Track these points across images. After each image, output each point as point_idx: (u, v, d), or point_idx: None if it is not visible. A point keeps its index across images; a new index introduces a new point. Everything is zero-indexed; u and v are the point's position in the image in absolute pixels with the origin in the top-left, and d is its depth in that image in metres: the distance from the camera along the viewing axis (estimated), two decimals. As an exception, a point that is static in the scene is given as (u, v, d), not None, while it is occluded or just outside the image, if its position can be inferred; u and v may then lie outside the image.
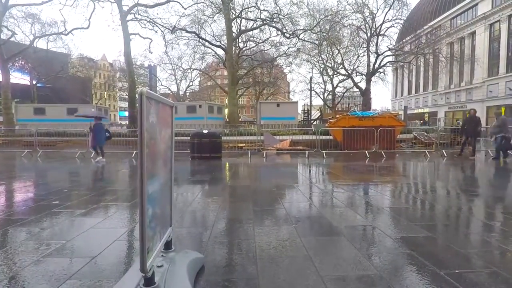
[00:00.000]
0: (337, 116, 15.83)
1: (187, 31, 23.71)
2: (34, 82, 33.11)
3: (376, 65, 26.21)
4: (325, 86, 39.99)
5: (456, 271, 2.13)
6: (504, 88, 31.72)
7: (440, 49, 30.72)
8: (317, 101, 48.73)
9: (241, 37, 27.21)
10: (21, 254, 2.46)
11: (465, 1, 37.29)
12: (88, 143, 9.98)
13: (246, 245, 2.65)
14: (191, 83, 43.30)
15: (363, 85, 28.08)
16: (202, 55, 29.58)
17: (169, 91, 41.46)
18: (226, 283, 2.00)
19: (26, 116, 22.85)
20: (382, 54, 26.26)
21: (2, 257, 2.40)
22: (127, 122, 28.59)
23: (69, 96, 31.57)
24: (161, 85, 40.50)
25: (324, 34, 24.56)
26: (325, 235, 2.95)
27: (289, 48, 27.69)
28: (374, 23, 25.40)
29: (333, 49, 28.07)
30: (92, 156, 10.88)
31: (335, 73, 34.13)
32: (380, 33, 25.68)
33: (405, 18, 26.47)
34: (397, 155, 11.13)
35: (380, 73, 28.41)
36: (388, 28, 26.26)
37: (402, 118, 26.20)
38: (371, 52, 26.10)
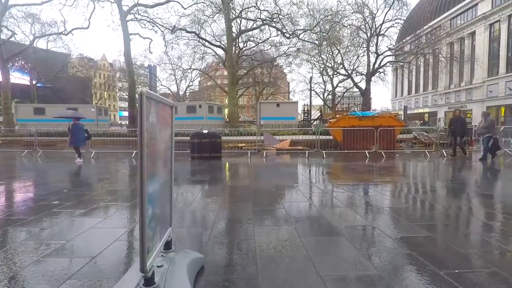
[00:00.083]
0: (337, 116, 15.84)
1: (187, 31, 23.71)
2: (34, 82, 33.10)
3: (376, 65, 26.22)
4: (325, 86, 40.03)
5: (456, 271, 2.13)
6: (504, 88, 31.72)
7: (440, 49, 30.72)
8: (317, 101, 48.77)
9: (241, 37, 27.21)
10: (21, 254, 2.46)
11: (465, 1, 37.30)
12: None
13: (246, 245, 2.65)
14: (191, 83, 43.35)
15: (363, 85, 28.12)
16: (202, 55, 29.61)
17: (169, 91, 41.46)
18: (226, 283, 2.00)
19: (26, 116, 22.84)
20: (382, 54, 26.28)
21: (2, 257, 2.40)
22: (127, 122, 28.56)
23: (69, 96, 31.54)
24: (161, 85, 40.55)
25: (324, 34, 24.56)
26: (325, 235, 2.95)
27: (289, 48, 27.73)
28: (374, 23, 25.43)
29: (333, 49, 28.07)
30: (92, 156, 10.89)
31: (335, 73, 34.15)
32: (380, 33, 25.70)
33: (405, 18, 26.51)
34: (397, 155, 11.14)
35: (380, 73, 28.43)
36: (388, 28, 26.32)
37: (402, 118, 26.19)
38: (371, 52, 26.12)
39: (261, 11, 23.48)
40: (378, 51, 25.86)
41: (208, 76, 38.35)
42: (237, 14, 23.99)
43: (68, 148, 9.67)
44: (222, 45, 25.25)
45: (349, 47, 28.22)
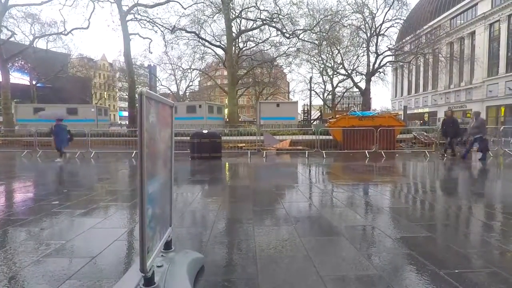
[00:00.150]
0: (337, 116, 15.84)
1: (187, 31, 23.71)
2: (33, 82, 33.07)
3: (376, 65, 26.21)
4: (325, 86, 40.02)
5: (456, 271, 2.13)
6: (503, 88, 31.73)
7: (440, 49, 30.73)
8: (317, 101, 48.73)
9: (241, 37, 27.22)
10: (21, 254, 2.46)
11: (464, 1, 37.31)
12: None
13: (246, 245, 2.65)
14: (191, 83, 43.34)
15: (363, 85, 28.11)
16: (202, 55, 29.59)
17: (169, 91, 41.45)
18: (226, 283, 2.00)
19: (25, 116, 22.84)
20: (382, 54, 26.28)
21: (2, 257, 2.40)
22: (127, 122, 28.56)
23: (69, 96, 31.53)
24: (161, 85, 40.56)
25: (324, 34, 24.56)
26: (325, 235, 2.95)
27: (289, 48, 27.71)
28: (374, 23, 25.43)
29: (333, 49, 28.07)
30: (92, 156, 10.89)
31: (335, 73, 34.14)
32: (380, 33, 25.70)
33: (405, 18, 26.49)
34: (397, 155, 11.14)
35: (380, 73, 28.42)
36: (388, 28, 26.31)
37: (402, 118, 26.21)
38: (371, 52, 26.12)
39: (261, 11, 23.49)
40: (378, 51, 25.87)
41: (208, 76, 38.33)
42: (237, 14, 24.00)
43: (53, 149, 9.57)
44: (222, 45, 25.26)
45: (349, 47, 28.23)
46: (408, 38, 31.76)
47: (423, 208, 4.04)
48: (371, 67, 26.22)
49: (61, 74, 33.15)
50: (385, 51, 26.79)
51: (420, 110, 47.71)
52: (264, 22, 23.80)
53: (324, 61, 32.00)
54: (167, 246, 2.12)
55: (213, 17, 24.09)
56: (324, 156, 10.57)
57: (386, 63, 27.56)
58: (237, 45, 27.82)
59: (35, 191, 5.25)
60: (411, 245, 2.61)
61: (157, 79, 38.07)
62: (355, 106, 55.77)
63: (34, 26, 25.44)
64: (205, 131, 10.14)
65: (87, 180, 6.62)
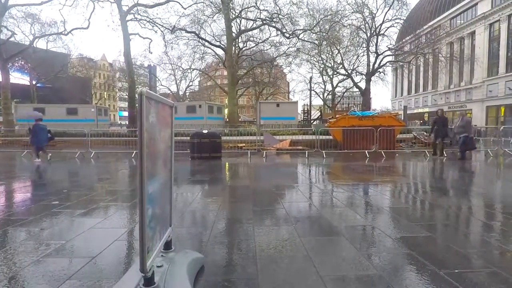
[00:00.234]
0: (337, 116, 15.84)
1: (186, 31, 23.72)
2: (33, 82, 33.09)
3: (376, 65, 26.23)
4: (325, 86, 40.05)
5: (456, 271, 2.13)
6: (503, 88, 31.73)
7: (439, 49, 30.75)
8: (317, 101, 48.77)
9: (241, 37, 27.22)
10: (21, 254, 2.46)
11: (464, 1, 37.32)
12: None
13: (246, 245, 2.65)
14: (191, 83, 43.36)
15: (363, 85, 28.13)
16: (201, 55, 29.61)
17: (169, 91, 41.47)
18: (226, 283, 2.00)
19: (25, 116, 22.83)
20: (382, 54, 26.29)
21: (2, 257, 2.40)
22: (127, 122, 28.57)
23: (69, 96, 31.54)
24: (161, 85, 40.58)
25: (324, 34, 24.57)
26: (325, 235, 2.95)
27: (289, 48, 27.73)
28: (374, 23, 25.45)
29: (333, 49, 28.09)
30: (92, 156, 10.89)
31: (335, 73, 34.16)
32: (380, 33, 25.71)
33: (405, 18, 26.50)
34: (397, 155, 11.14)
35: (380, 73, 28.45)
36: (388, 28, 26.35)
37: (402, 118, 26.20)
38: (371, 52, 26.13)
39: (261, 11, 23.50)
40: (378, 51, 25.88)
41: (208, 76, 38.35)
42: (237, 14, 24.00)
43: (30, 147, 9.45)
44: (222, 45, 25.26)
45: (349, 47, 28.26)
46: (408, 38, 31.78)
47: (423, 208, 4.04)
48: (371, 67, 26.23)
49: (61, 74, 33.17)
50: (385, 51, 26.82)
51: (420, 110, 47.71)
52: (264, 22, 23.81)
53: (324, 61, 32.03)
54: (167, 246, 2.12)
55: (213, 17, 24.13)
56: (324, 156, 10.57)
57: (386, 63, 27.58)
58: (237, 45, 27.83)
59: (35, 191, 5.25)
60: (411, 245, 2.61)
61: (157, 79, 38.11)
62: (355, 106, 55.83)
63: (34, 26, 25.49)
64: (205, 131, 10.14)
65: (87, 180, 6.61)
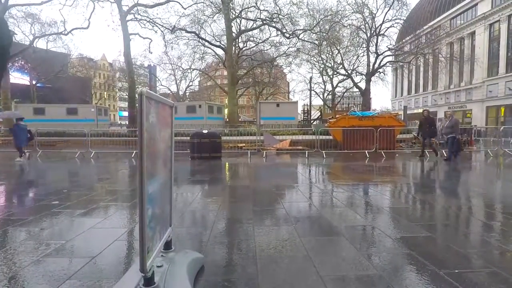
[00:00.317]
0: (337, 116, 15.83)
1: (187, 31, 23.73)
2: (33, 82, 33.09)
3: (376, 65, 26.23)
4: (325, 86, 40.05)
5: (456, 271, 2.13)
6: (503, 88, 31.71)
7: (439, 49, 30.73)
8: (317, 101, 48.75)
9: (241, 37, 27.23)
10: (21, 254, 2.46)
11: (464, 1, 37.29)
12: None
13: (246, 245, 2.65)
14: (191, 83, 43.36)
15: (363, 85, 28.12)
16: (202, 55, 29.60)
17: (169, 91, 41.47)
18: (226, 283, 2.00)
19: (25, 116, 22.78)
20: (382, 54, 26.29)
21: (2, 257, 2.40)
22: (127, 122, 28.57)
23: (69, 96, 31.54)
24: (161, 85, 40.58)
25: (324, 34, 24.58)
26: (325, 235, 2.95)
27: (289, 48, 27.73)
28: (374, 23, 25.44)
29: (333, 49, 28.09)
30: (92, 156, 10.89)
31: (335, 73, 34.17)
32: (380, 33, 25.71)
33: (405, 18, 26.51)
34: (397, 155, 11.14)
35: (380, 73, 28.44)
36: (388, 28, 26.34)
37: (402, 118, 26.22)
38: (371, 52, 26.13)
39: (261, 11, 23.51)
40: (378, 51, 25.88)
41: (208, 76, 38.35)
42: (237, 14, 24.01)
43: (20, 148, 9.48)
44: (222, 45, 25.27)
45: (349, 47, 28.25)
46: (408, 38, 31.77)
47: (423, 208, 4.04)
48: (371, 67, 26.23)
49: (61, 74, 33.17)
50: (385, 51, 26.83)
51: (420, 110, 47.43)
52: (264, 22, 23.82)
53: (324, 61, 32.03)
54: (167, 246, 2.12)
55: (213, 17, 24.14)
56: (324, 156, 10.57)
57: (386, 63, 27.58)
58: (237, 45, 27.84)
59: (35, 191, 5.25)
60: (411, 245, 2.62)
61: (157, 79, 38.11)
62: (355, 106, 55.80)
63: (34, 26, 25.49)
64: (205, 131, 10.14)
65: (87, 180, 6.61)
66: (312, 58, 31.07)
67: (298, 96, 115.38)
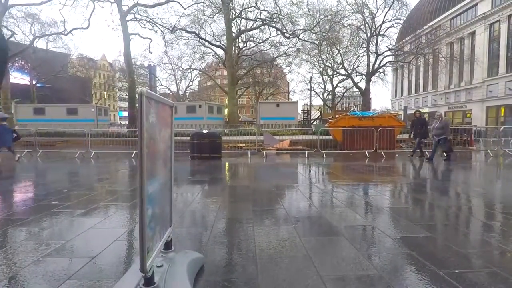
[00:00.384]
0: (337, 116, 15.83)
1: (187, 31, 23.74)
2: (33, 82, 33.09)
3: (376, 65, 26.25)
4: (325, 86, 40.07)
5: (456, 271, 2.13)
6: (504, 88, 31.71)
7: (440, 49, 30.75)
8: (317, 101, 48.79)
9: (241, 37, 27.24)
10: (21, 254, 2.46)
11: (464, 1, 37.29)
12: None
13: (246, 245, 2.65)
14: (190, 83, 43.40)
15: (363, 85, 28.14)
16: (202, 55, 29.64)
17: (169, 91, 41.48)
18: (226, 283, 2.00)
19: (26, 116, 22.84)
20: (382, 54, 26.31)
21: (2, 257, 2.40)
22: (127, 122, 28.57)
23: (69, 96, 31.57)
24: (161, 85, 40.59)
25: (324, 34, 24.60)
26: (324, 235, 2.95)
27: (289, 48, 27.78)
28: (374, 23, 25.48)
29: (333, 49, 28.11)
30: (92, 156, 10.89)
31: (335, 73, 34.18)
32: (380, 33, 25.74)
33: (404, 18, 26.53)
34: (397, 155, 11.13)
35: (380, 73, 28.47)
36: (388, 28, 26.39)
37: (402, 118, 26.22)
38: (371, 52, 26.15)
39: (261, 11, 23.53)
40: (378, 51, 25.90)
41: (208, 76, 38.36)
42: (237, 14, 24.03)
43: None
44: (222, 45, 25.29)
45: (349, 47, 28.29)
46: (408, 38, 31.78)
47: (423, 208, 4.04)
48: (371, 67, 26.25)
49: (61, 74, 33.18)
50: (385, 51, 26.86)
51: (420, 111, 47.64)
52: (264, 22, 23.83)
53: (324, 61, 32.05)
54: (167, 246, 2.12)
55: (213, 17, 24.17)
56: (324, 156, 10.57)
57: (386, 63, 27.60)
58: (237, 45, 27.85)
59: (35, 191, 5.24)
60: (411, 245, 2.62)
61: (157, 79, 38.09)
62: (355, 106, 55.83)
63: (34, 26, 25.54)
64: (205, 131, 10.14)
65: (87, 180, 6.61)
66: (312, 58, 31.12)
67: (298, 96, 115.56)
